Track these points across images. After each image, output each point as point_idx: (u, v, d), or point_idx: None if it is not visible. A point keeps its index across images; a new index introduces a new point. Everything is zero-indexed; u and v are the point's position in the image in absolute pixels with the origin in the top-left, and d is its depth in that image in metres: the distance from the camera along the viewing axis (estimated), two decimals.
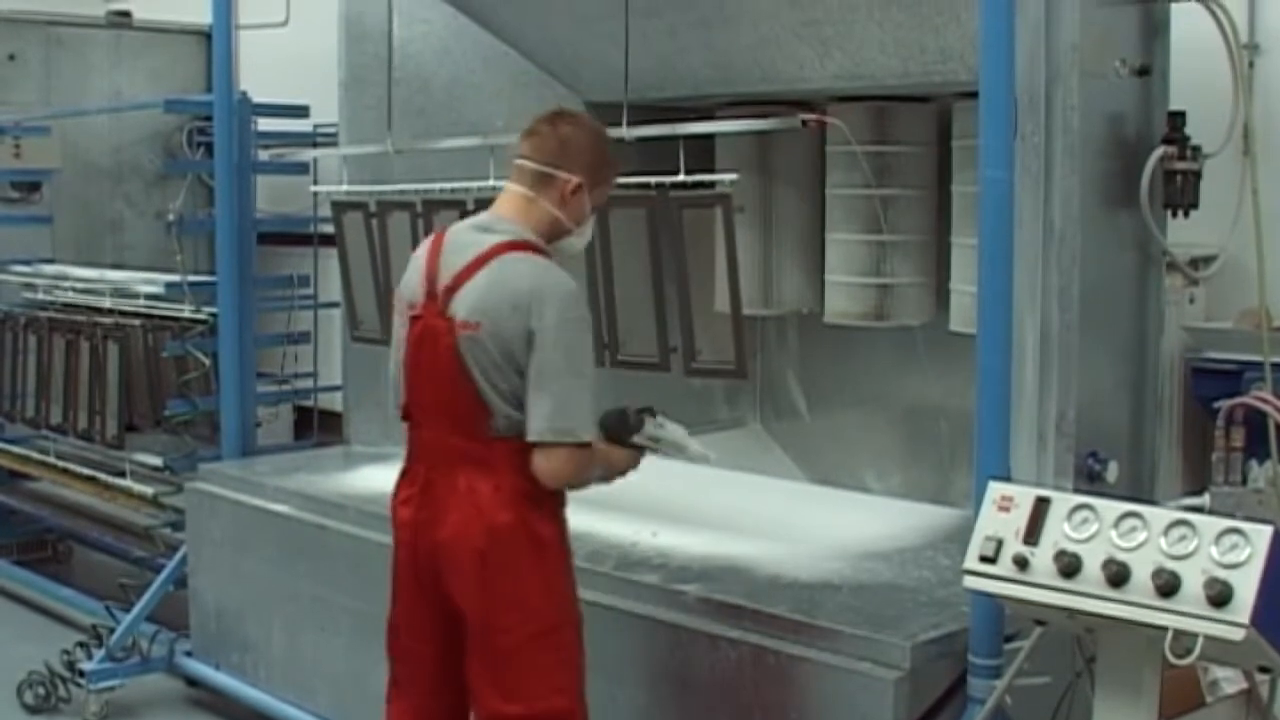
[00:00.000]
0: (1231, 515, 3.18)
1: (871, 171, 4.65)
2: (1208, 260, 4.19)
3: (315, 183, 6.43)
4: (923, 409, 4.85)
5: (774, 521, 4.45)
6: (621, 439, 3.49)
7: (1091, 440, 3.81)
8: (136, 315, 6.29)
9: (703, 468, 4.67)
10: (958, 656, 3.41)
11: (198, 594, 5.44)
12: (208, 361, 5.98)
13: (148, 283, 6.34)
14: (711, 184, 4.39)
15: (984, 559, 3.00)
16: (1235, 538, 2.74)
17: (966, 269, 4.22)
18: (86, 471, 6.53)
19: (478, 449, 3.32)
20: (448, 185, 4.80)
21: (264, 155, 6.58)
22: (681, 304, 4.48)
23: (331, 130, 6.37)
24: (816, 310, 5.02)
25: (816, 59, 4.47)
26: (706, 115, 4.72)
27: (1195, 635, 2.72)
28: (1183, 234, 4.10)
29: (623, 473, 3.56)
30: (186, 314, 6.03)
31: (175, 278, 6.15)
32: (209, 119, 6.35)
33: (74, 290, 6.65)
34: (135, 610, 5.57)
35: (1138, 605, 2.79)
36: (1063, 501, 2.98)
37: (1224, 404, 3.88)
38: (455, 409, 3.33)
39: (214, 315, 5.86)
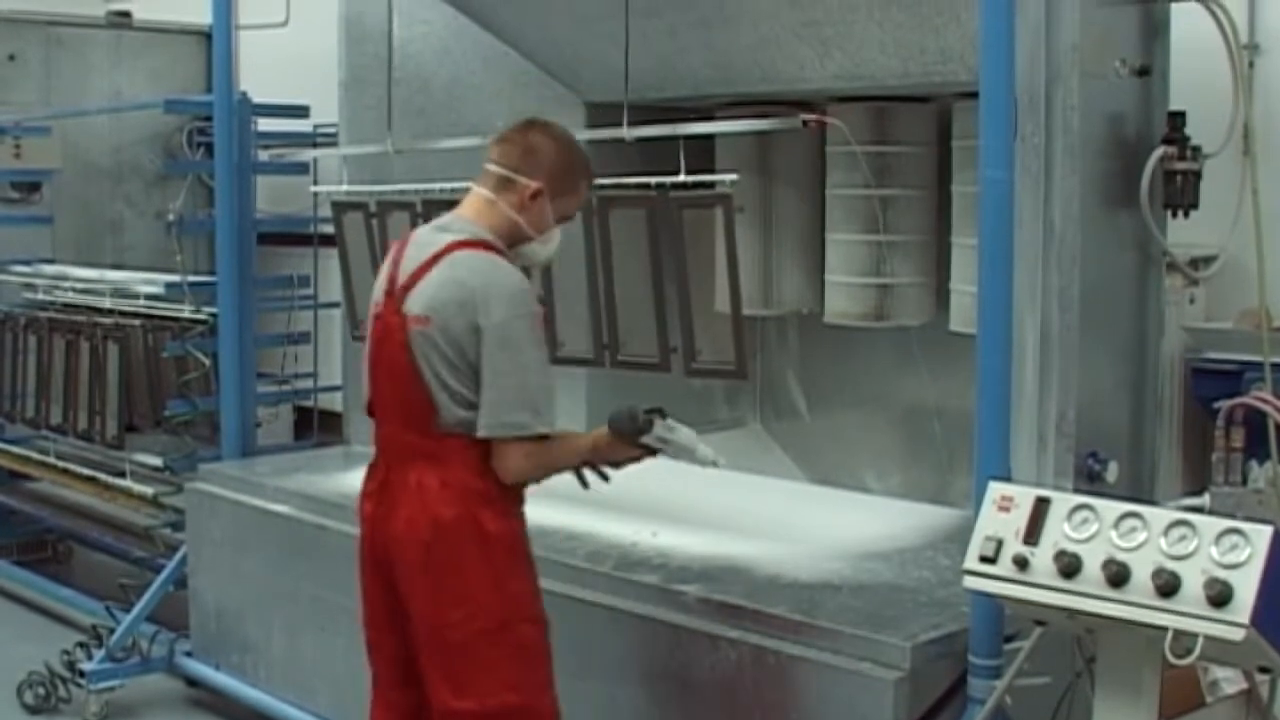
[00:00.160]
0: (1231, 515, 3.18)
1: (871, 172, 4.65)
2: (1208, 260, 4.19)
3: (315, 183, 6.44)
4: (923, 409, 4.84)
5: (774, 521, 4.45)
6: (629, 438, 3.50)
7: (1091, 440, 3.81)
8: (136, 315, 6.29)
9: (700, 468, 4.69)
10: (958, 657, 3.41)
11: (198, 594, 5.45)
12: (208, 362, 5.98)
13: (148, 283, 6.34)
14: (711, 184, 4.39)
15: (984, 559, 3.00)
16: (1235, 538, 2.74)
17: (966, 269, 4.22)
18: (86, 472, 6.53)
19: (429, 444, 3.38)
20: (448, 185, 4.80)
21: (264, 155, 6.58)
22: (682, 304, 4.48)
23: (331, 130, 6.37)
24: (816, 310, 5.02)
25: (816, 59, 4.47)
26: (706, 115, 4.72)
27: (1195, 635, 2.72)
28: (1183, 234, 4.10)
29: (618, 464, 3.56)
30: (186, 314, 6.03)
31: (175, 278, 6.15)
32: (209, 119, 6.35)
33: (74, 290, 6.66)
34: (135, 610, 5.57)
35: (1138, 605, 2.79)
36: (1063, 502, 2.98)
37: (1224, 404, 3.87)
38: (409, 405, 3.40)
39: (214, 315, 5.86)
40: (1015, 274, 3.41)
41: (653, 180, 4.39)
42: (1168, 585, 2.75)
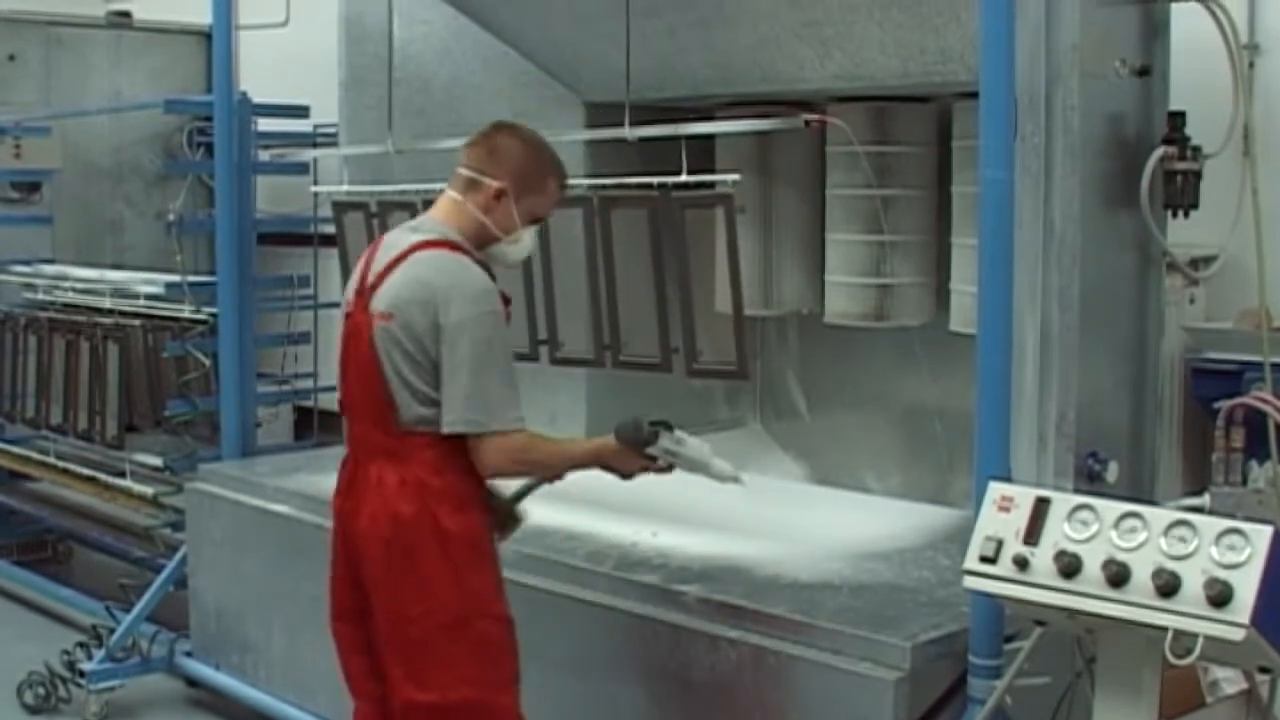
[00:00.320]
0: (1231, 515, 3.18)
1: (871, 172, 4.64)
2: (1208, 260, 4.19)
3: (315, 183, 6.43)
4: (923, 409, 4.84)
5: (774, 521, 4.45)
6: (635, 449, 3.50)
7: (1091, 440, 3.81)
8: (136, 315, 6.29)
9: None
10: (958, 657, 3.41)
11: (198, 594, 5.45)
12: (208, 362, 5.98)
13: (148, 283, 6.35)
14: (712, 184, 4.39)
15: (984, 559, 3.00)
16: (1235, 538, 2.74)
17: (966, 269, 4.22)
18: (86, 472, 6.53)
19: (390, 442, 3.43)
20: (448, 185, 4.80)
21: (264, 155, 6.58)
22: (683, 305, 4.48)
23: (331, 130, 6.38)
24: (816, 310, 5.02)
25: (816, 59, 4.46)
26: (706, 115, 4.72)
27: (1195, 635, 2.72)
28: (1183, 234, 4.10)
29: (628, 475, 3.57)
30: (186, 314, 6.04)
31: (175, 278, 6.15)
32: (209, 119, 6.35)
33: (74, 290, 6.66)
34: (135, 610, 5.57)
35: (1138, 605, 2.80)
36: (1063, 502, 2.98)
37: (1224, 404, 3.88)
38: (373, 402, 3.45)
39: (214, 315, 5.86)
40: (1015, 274, 3.41)
41: (654, 180, 4.39)
42: (1168, 585, 2.75)
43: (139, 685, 5.57)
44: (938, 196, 4.75)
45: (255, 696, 5.13)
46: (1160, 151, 3.86)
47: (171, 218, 6.64)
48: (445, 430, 3.36)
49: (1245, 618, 2.67)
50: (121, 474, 6.31)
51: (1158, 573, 2.77)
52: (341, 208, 5.46)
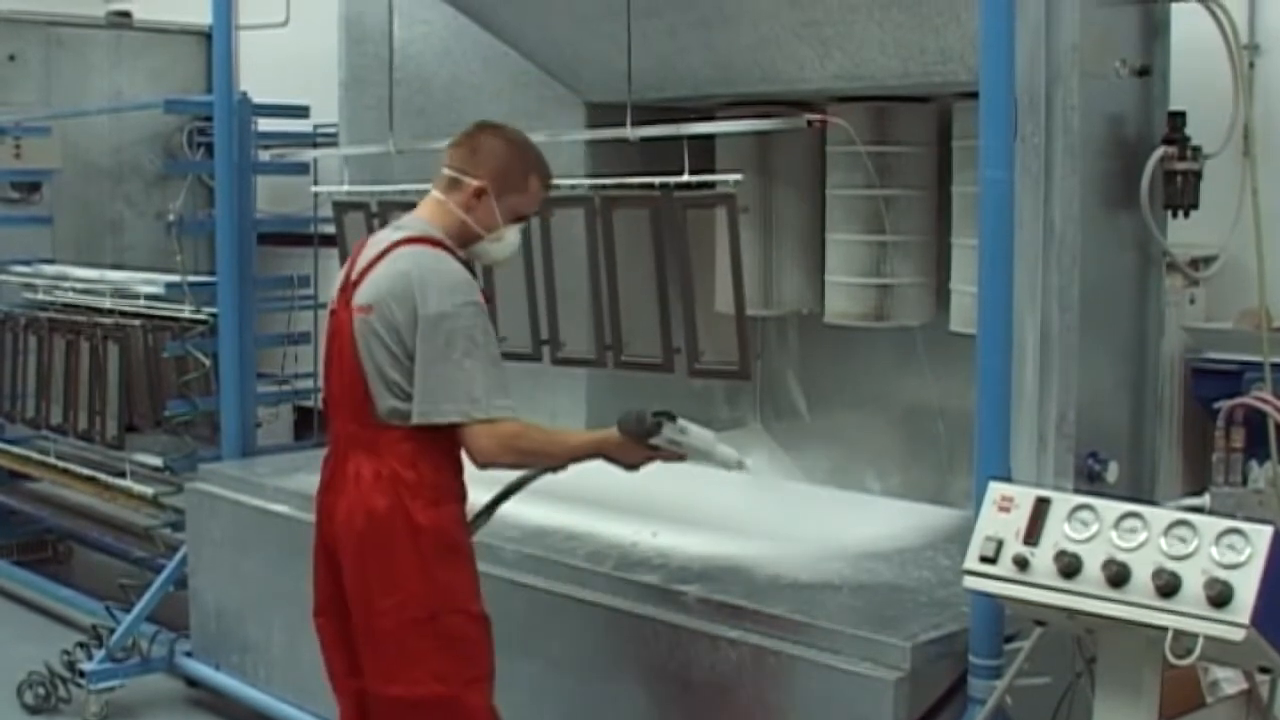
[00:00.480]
0: (1232, 516, 3.18)
1: (873, 171, 4.64)
2: (1208, 260, 4.19)
3: (315, 183, 6.43)
4: (923, 409, 4.84)
5: (774, 521, 4.45)
6: (639, 441, 3.50)
7: (1091, 441, 3.81)
8: (137, 316, 6.29)
9: (702, 468, 4.69)
10: (958, 657, 3.41)
11: (198, 594, 5.45)
12: (208, 362, 5.98)
13: (148, 283, 6.35)
14: (713, 184, 4.38)
15: (984, 559, 3.00)
16: (1235, 538, 2.74)
17: (967, 269, 4.22)
18: (86, 472, 6.53)
19: (367, 435, 3.46)
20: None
21: (264, 155, 6.58)
22: (685, 305, 4.48)
23: (332, 130, 6.38)
24: (816, 310, 5.02)
25: (816, 59, 4.46)
26: (706, 115, 4.72)
27: (1195, 635, 2.72)
28: (1183, 234, 4.10)
29: (633, 466, 3.57)
30: (186, 314, 6.04)
31: (175, 278, 6.15)
32: (209, 119, 6.35)
33: (74, 291, 6.66)
34: (135, 610, 5.57)
35: (1138, 605, 2.80)
36: (1063, 502, 2.98)
37: (1224, 404, 3.87)
38: (352, 395, 3.49)
39: (214, 315, 5.86)
40: (1015, 274, 3.41)
41: (656, 180, 4.39)
42: (1168, 585, 2.75)
43: (139, 685, 5.57)
44: (938, 196, 4.75)
45: (255, 696, 5.13)
46: (1160, 151, 3.86)
47: (171, 218, 6.65)
48: (416, 420, 3.38)
49: (1245, 618, 2.67)
50: (121, 474, 6.31)
51: (1158, 573, 2.77)
52: (342, 208, 5.46)
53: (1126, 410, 3.99)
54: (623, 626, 3.85)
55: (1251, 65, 4.46)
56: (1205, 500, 3.83)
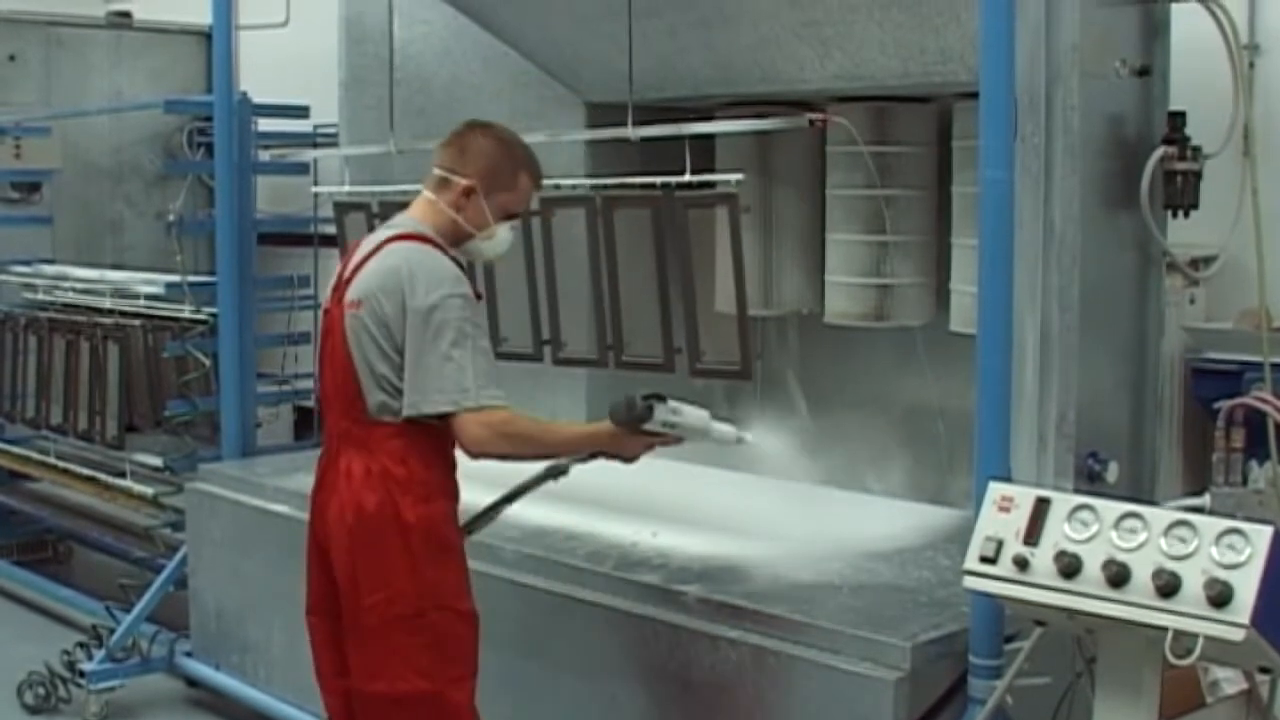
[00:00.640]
0: (1232, 516, 3.18)
1: (874, 171, 4.64)
2: (1208, 260, 4.19)
3: (315, 183, 6.44)
4: (923, 409, 4.84)
5: (774, 521, 4.45)
6: (632, 427, 3.49)
7: (1091, 441, 3.81)
8: (137, 316, 6.29)
9: (702, 468, 4.69)
10: (958, 657, 3.41)
11: (198, 594, 5.45)
12: (208, 362, 5.99)
13: (148, 283, 6.35)
14: (714, 184, 4.38)
15: (984, 559, 3.00)
16: (1235, 538, 2.74)
17: (967, 269, 4.22)
18: (86, 472, 6.53)
19: (359, 431, 3.47)
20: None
21: (264, 156, 6.58)
22: (686, 305, 4.48)
23: (332, 130, 6.38)
24: (816, 310, 5.02)
25: (816, 59, 4.46)
26: (706, 115, 4.71)
27: (1195, 635, 2.72)
28: (1183, 234, 4.10)
29: (630, 459, 3.57)
30: (187, 314, 6.04)
31: (175, 278, 6.15)
32: (209, 119, 6.36)
33: (74, 291, 6.66)
34: (135, 610, 5.57)
35: (1138, 605, 2.80)
36: (1063, 502, 2.98)
37: (1224, 404, 3.88)
38: (344, 392, 3.50)
39: (214, 315, 5.87)
40: (1015, 274, 3.41)
41: (657, 180, 4.39)
42: (1168, 585, 2.75)
43: (139, 685, 5.57)
44: (938, 196, 4.75)
45: (255, 697, 5.13)
46: (1160, 151, 3.86)
47: (171, 218, 6.64)
48: (407, 413, 3.38)
49: (1245, 618, 2.67)
50: (121, 474, 6.31)
51: (1158, 573, 2.77)
52: (343, 208, 5.46)
53: (1126, 410, 3.99)
54: (623, 626, 3.85)
55: (1251, 65, 4.46)
56: (1205, 500, 3.83)
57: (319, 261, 6.90)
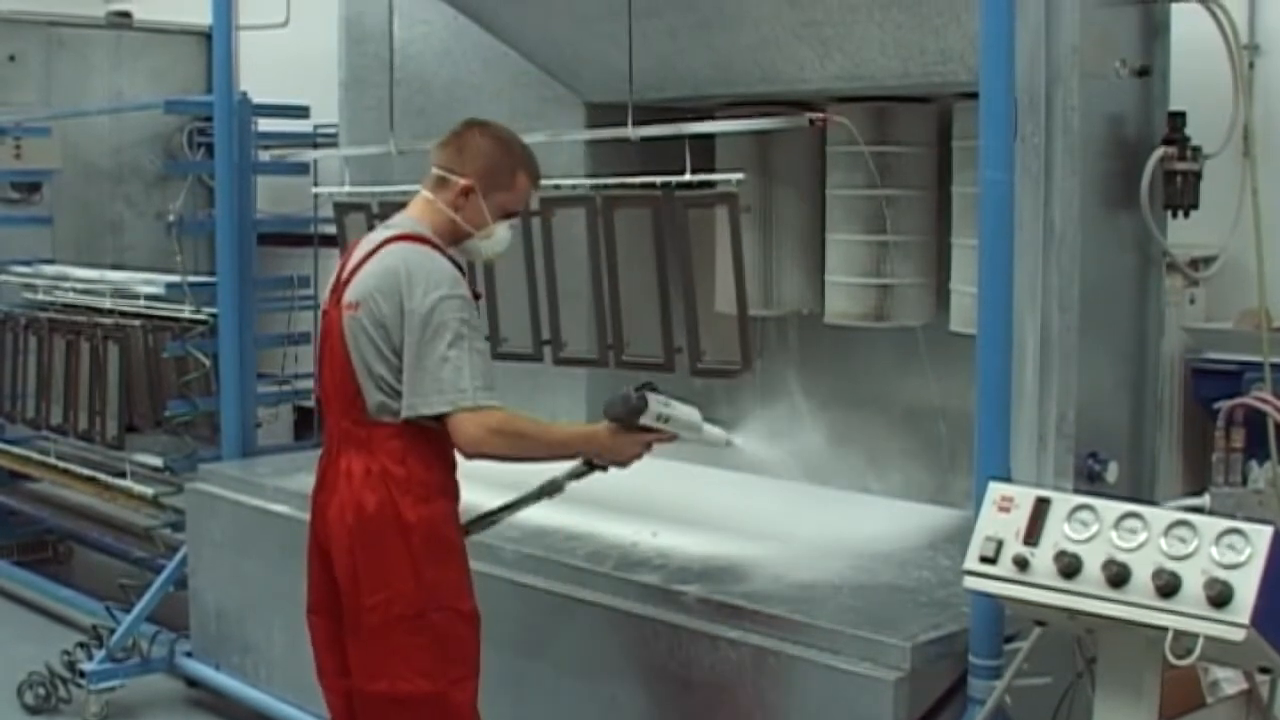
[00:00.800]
0: (1232, 516, 3.18)
1: (874, 171, 4.64)
2: (1208, 261, 4.19)
3: (315, 183, 6.44)
4: (923, 409, 4.84)
5: (774, 521, 4.45)
6: (628, 422, 3.49)
7: (1091, 441, 3.81)
8: (137, 316, 6.29)
9: (702, 468, 4.69)
10: (958, 657, 3.42)
11: (198, 594, 5.45)
12: (208, 362, 5.99)
13: (148, 283, 6.35)
14: (714, 184, 4.38)
15: (984, 559, 3.00)
16: (1235, 538, 2.74)
17: (967, 269, 4.22)
18: (87, 472, 6.54)
19: (359, 432, 3.47)
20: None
21: (264, 156, 6.59)
22: (686, 304, 4.48)
23: (332, 131, 6.38)
24: (817, 311, 5.02)
25: (816, 60, 4.47)
26: (706, 116, 4.71)
27: (1195, 635, 2.72)
28: (1183, 234, 4.10)
29: (625, 463, 3.57)
30: (187, 314, 6.04)
31: (175, 278, 6.15)
32: (209, 119, 6.36)
33: (74, 291, 6.66)
34: (135, 611, 5.57)
35: (1138, 606, 2.80)
36: (1063, 502, 2.99)
37: (1224, 404, 3.88)
38: (343, 392, 3.50)
39: (214, 316, 5.87)
40: (1015, 274, 3.41)
41: (657, 180, 4.39)
42: (1168, 585, 2.75)
43: (139, 685, 5.57)
44: (938, 196, 4.75)
45: (255, 697, 5.13)
46: (1160, 152, 3.86)
47: (171, 218, 6.64)
48: (405, 414, 3.38)
49: (1245, 618, 2.67)
50: (121, 474, 6.31)
51: (1158, 573, 2.77)
52: (343, 208, 5.46)
53: (1126, 410, 3.99)
54: (623, 626, 3.85)
55: (1251, 65, 4.46)
56: (1205, 500, 3.83)
57: (319, 261, 6.90)
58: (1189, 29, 3.99)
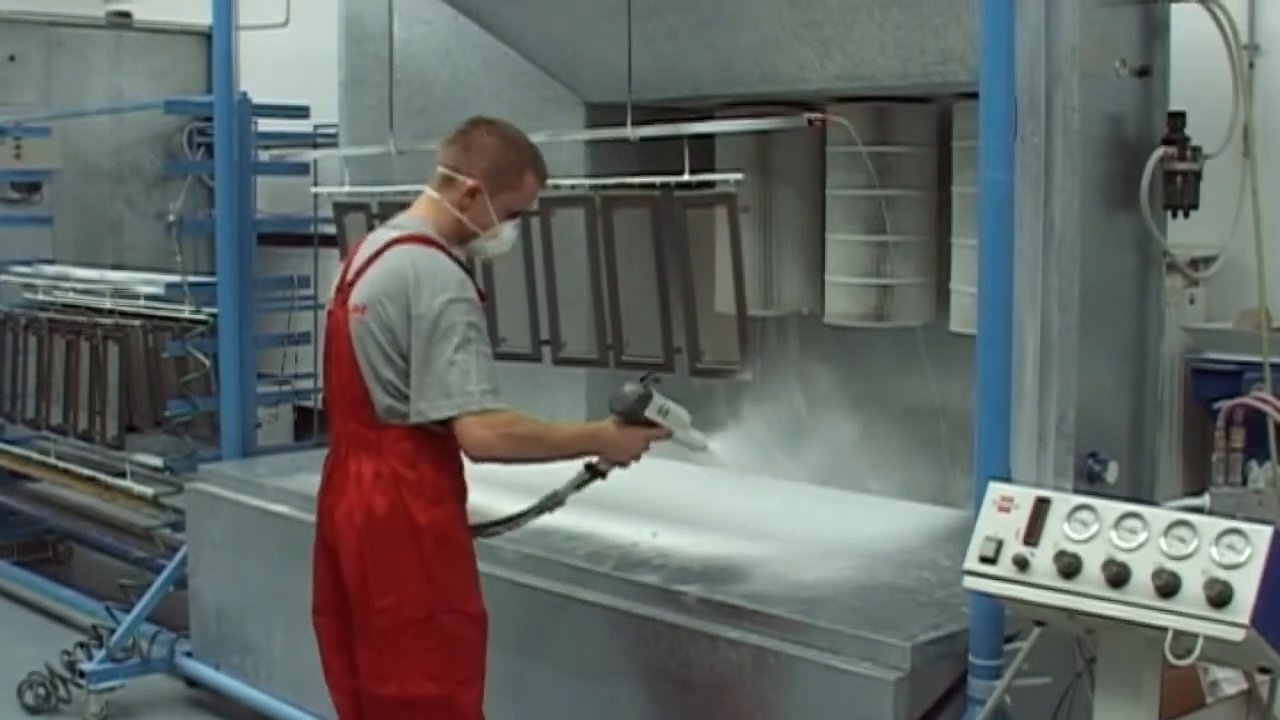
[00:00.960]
0: (1231, 516, 3.18)
1: (873, 172, 4.64)
2: (1208, 261, 4.20)
3: (315, 183, 6.44)
4: (923, 409, 4.84)
5: (774, 521, 4.45)
6: (636, 416, 3.51)
7: (1091, 441, 3.81)
8: (137, 316, 6.30)
9: (702, 468, 4.69)
10: (958, 657, 3.42)
11: (198, 594, 5.45)
12: (208, 362, 5.99)
13: (148, 283, 6.35)
14: (713, 184, 4.39)
15: (984, 559, 3.00)
16: (1235, 538, 2.74)
17: (967, 270, 4.22)
18: (87, 472, 6.54)
19: (368, 434, 3.46)
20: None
21: (264, 156, 6.59)
22: (686, 304, 4.48)
23: (332, 131, 6.38)
24: (816, 311, 5.02)
25: (817, 60, 4.47)
26: (706, 116, 4.72)
27: (1195, 636, 2.72)
28: (1183, 234, 4.10)
29: (624, 464, 3.59)
30: (187, 315, 6.04)
31: (175, 278, 6.16)
32: (209, 120, 6.36)
33: (74, 291, 6.66)
34: (135, 611, 5.57)
35: (1138, 606, 2.80)
36: (1063, 502, 2.99)
37: (1224, 405, 3.88)
38: (351, 394, 3.48)
39: (214, 316, 5.87)
40: (1015, 274, 3.41)
41: (656, 180, 4.39)
42: (1168, 585, 2.75)
43: (139, 685, 5.57)
44: (938, 197, 4.75)
45: (255, 697, 5.13)
46: (1160, 152, 3.86)
47: (171, 218, 6.64)
48: (414, 420, 3.38)
49: (1245, 618, 2.67)
50: (121, 474, 6.31)
51: (1158, 573, 2.77)
52: (343, 209, 5.46)
53: (1126, 410, 3.99)
54: (623, 626, 3.85)
55: (1251, 65, 4.46)
56: (1205, 500, 3.83)
57: (319, 262, 6.90)
58: (1189, 29, 3.99)
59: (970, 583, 3.05)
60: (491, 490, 3.76)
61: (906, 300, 4.76)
